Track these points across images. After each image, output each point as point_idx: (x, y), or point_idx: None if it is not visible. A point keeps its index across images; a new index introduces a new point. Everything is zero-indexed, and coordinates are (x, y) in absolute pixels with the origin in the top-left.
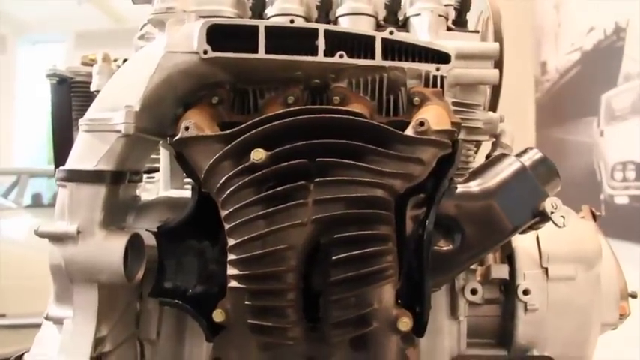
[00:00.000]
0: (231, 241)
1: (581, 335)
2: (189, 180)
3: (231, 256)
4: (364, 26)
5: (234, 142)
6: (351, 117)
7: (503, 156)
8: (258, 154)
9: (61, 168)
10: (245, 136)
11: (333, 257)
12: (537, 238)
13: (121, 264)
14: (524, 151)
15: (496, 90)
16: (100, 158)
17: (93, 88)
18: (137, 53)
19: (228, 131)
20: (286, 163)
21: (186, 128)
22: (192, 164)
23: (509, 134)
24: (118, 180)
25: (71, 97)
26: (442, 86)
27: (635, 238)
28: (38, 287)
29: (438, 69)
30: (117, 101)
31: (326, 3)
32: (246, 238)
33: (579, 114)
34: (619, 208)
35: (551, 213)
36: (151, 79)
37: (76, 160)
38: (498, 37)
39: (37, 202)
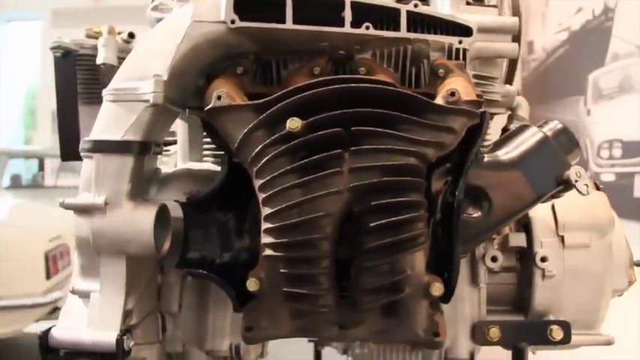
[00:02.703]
0: (267, 210)
1: (594, 301)
2: (208, 152)
3: (266, 225)
4: None
5: (269, 110)
6: (384, 86)
7: (526, 127)
8: (294, 123)
9: (86, 139)
10: (280, 104)
11: (371, 224)
12: (553, 207)
13: (151, 235)
14: (545, 122)
15: (513, 63)
16: (128, 128)
17: (99, 61)
18: (161, 23)
19: (261, 100)
20: (322, 132)
21: (219, 97)
22: (223, 134)
23: (525, 107)
24: (144, 150)
25: (76, 71)
26: (464, 59)
27: (621, 214)
28: (19, 268)
29: (460, 42)
30: (143, 70)
31: None
32: (283, 206)
33: (566, 93)
34: (605, 185)
35: (576, 181)
36: (179, 48)
37: (101, 131)
38: (516, 12)
39: (16, 184)
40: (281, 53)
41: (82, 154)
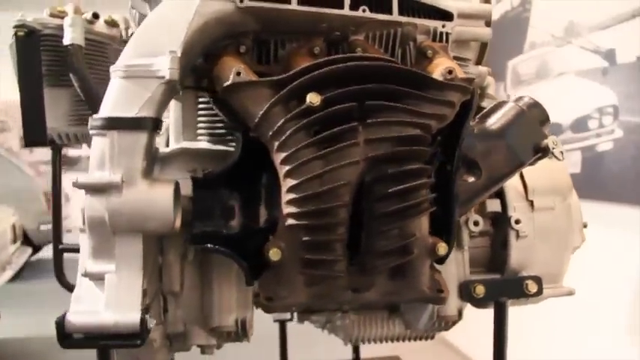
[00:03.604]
0: (290, 182)
1: (559, 256)
2: (203, 131)
3: (290, 196)
4: None
5: (289, 86)
6: (393, 64)
7: (504, 102)
8: (315, 98)
9: (97, 116)
10: (298, 81)
11: (389, 190)
12: (522, 175)
13: (171, 212)
14: (520, 98)
15: (483, 46)
16: (142, 105)
17: (67, 41)
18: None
19: (278, 77)
20: (340, 106)
21: (238, 73)
22: (240, 110)
23: (493, 86)
24: (156, 127)
25: (40, 52)
26: (447, 41)
27: None
28: None
29: (443, 26)
30: (156, 47)
31: None
32: (306, 177)
33: None
34: None
35: (553, 149)
36: (190, 25)
37: (113, 108)
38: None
39: None
40: (280, 33)
41: (92, 132)
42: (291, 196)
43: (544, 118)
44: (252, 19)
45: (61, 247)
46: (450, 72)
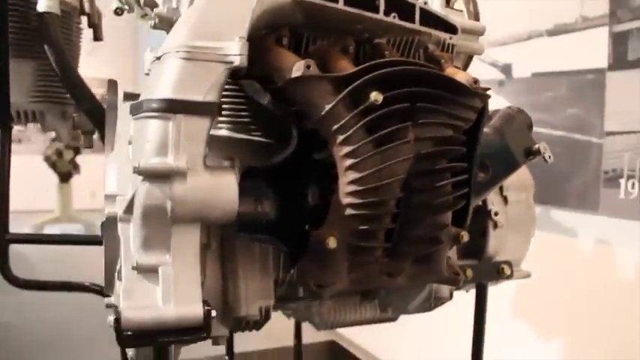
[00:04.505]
0: (352, 175)
1: (523, 244)
2: (224, 119)
3: (351, 188)
4: None
5: (355, 83)
6: (437, 71)
7: (497, 110)
8: (378, 96)
9: (159, 97)
10: (362, 79)
11: (437, 184)
12: None
13: (236, 201)
14: (509, 107)
15: (469, 58)
16: (207, 89)
17: (41, 9)
18: None
19: (343, 73)
20: (399, 105)
21: (308, 66)
22: (302, 102)
23: None
24: (218, 113)
25: (8, 19)
26: (452, 52)
27: None
28: None
29: (451, 38)
30: (221, 30)
31: None
32: (370, 171)
33: None
34: None
35: (544, 153)
36: (254, 11)
37: (177, 90)
38: (477, 17)
39: None
40: (315, 29)
41: (151, 114)
42: (353, 187)
43: (530, 123)
44: (300, 12)
45: (7, 237)
46: (475, 82)
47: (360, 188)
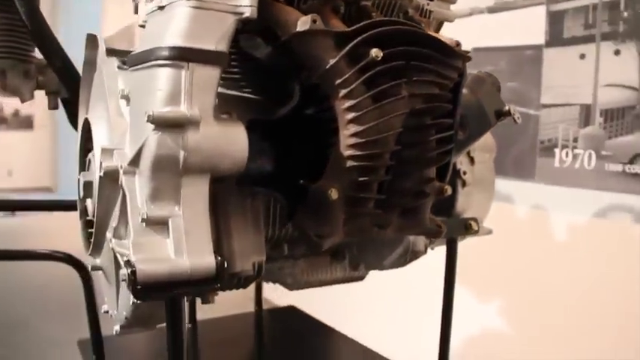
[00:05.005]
0: (354, 128)
1: (487, 202)
2: None
3: (353, 140)
4: None
5: (357, 39)
6: (427, 32)
7: (469, 73)
8: (379, 53)
9: (172, 45)
10: (363, 36)
11: (426, 139)
12: None
13: (246, 152)
14: (479, 71)
15: (440, 24)
16: (219, 39)
17: None
18: None
19: (346, 29)
20: (396, 62)
21: (314, 21)
22: (307, 57)
23: None
24: (228, 64)
25: None
26: (429, 18)
27: None
28: None
29: (428, 4)
30: None
31: None
32: (371, 124)
33: None
34: None
35: (513, 114)
36: None
37: (187, 38)
38: None
39: None
40: None
41: (162, 62)
42: (354, 140)
43: (499, 86)
44: None
45: None
46: (458, 44)
47: (361, 140)
